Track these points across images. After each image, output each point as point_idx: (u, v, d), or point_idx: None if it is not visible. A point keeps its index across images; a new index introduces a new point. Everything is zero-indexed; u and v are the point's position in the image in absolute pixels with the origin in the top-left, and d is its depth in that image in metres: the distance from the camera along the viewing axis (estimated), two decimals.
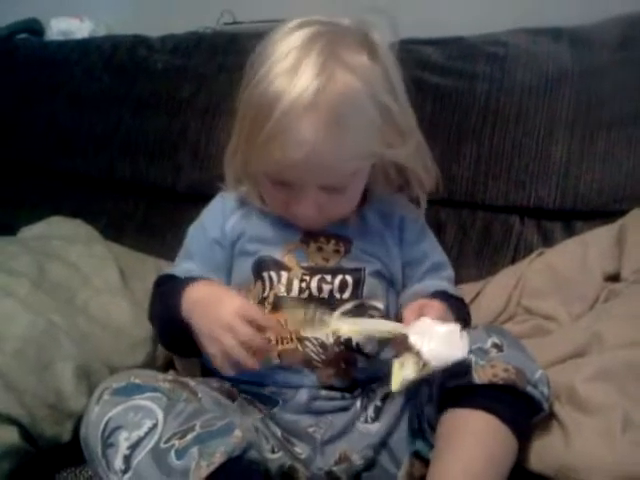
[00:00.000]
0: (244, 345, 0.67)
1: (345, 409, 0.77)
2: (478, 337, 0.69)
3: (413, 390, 0.73)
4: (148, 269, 1.08)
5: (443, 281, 0.86)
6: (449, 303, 0.76)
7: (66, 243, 1.05)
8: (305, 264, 0.80)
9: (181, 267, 0.85)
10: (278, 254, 0.80)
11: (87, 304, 0.92)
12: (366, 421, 0.75)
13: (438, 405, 0.69)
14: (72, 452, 0.76)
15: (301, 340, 0.77)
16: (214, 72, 1.25)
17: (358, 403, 0.77)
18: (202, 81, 1.26)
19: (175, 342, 0.81)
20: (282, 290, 0.79)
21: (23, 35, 1.56)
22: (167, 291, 0.79)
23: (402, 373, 0.65)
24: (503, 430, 0.64)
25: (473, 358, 0.66)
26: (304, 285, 0.79)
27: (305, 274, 0.79)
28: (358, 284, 0.80)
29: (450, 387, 0.67)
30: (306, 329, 0.75)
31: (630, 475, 0.64)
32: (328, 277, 0.79)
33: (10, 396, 0.71)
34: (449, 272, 0.89)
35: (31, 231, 1.14)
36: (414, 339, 0.64)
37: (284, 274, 0.79)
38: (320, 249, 0.81)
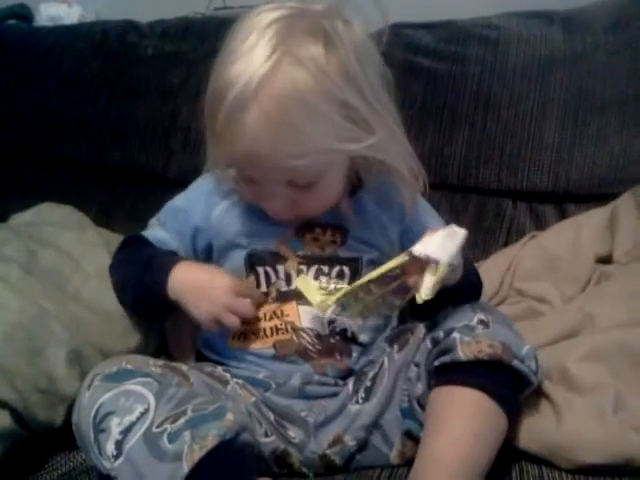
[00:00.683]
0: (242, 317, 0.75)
1: (337, 394, 0.77)
2: (464, 315, 0.69)
3: (402, 369, 0.74)
4: None
5: None
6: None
7: (57, 229, 1.04)
8: (301, 252, 0.78)
9: (154, 233, 0.85)
10: (272, 245, 0.78)
11: (78, 290, 0.91)
12: (357, 402, 0.75)
13: (427, 383, 0.69)
14: (65, 436, 0.75)
15: (296, 330, 0.77)
16: (204, 57, 1.22)
17: (350, 386, 0.76)
18: (192, 66, 1.25)
19: (149, 311, 0.85)
20: (283, 285, 0.78)
21: (12, 21, 1.54)
22: (144, 261, 0.80)
23: (424, 286, 0.65)
24: (491, 405, 0.64)
25: (458, 335, 0.66)
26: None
27: (302, 263, 0.78)
28: (355, 274, 0.78)
29: (437, 365, 0.67)
30: (320, 297, 0.73)
31: (621, 454, 0.64)
32: (325, 268, 0.78)
33: (2, 380, 0.71)
34: None
35: (22, 217, 1.13)
36: (417, 250, 0.65)
37: (281, 268, 0.78)
38: (316, 239, 0.79)
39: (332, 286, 0.75)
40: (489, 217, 1.10)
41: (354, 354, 0.79)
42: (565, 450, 0.66)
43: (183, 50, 1.28)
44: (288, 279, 0.78)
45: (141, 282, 0.80)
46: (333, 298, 0.70)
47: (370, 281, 0.68)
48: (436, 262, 0.65)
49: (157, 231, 0.85)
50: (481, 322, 0.68)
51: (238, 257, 0.79)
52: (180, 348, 0.92)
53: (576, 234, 0.95)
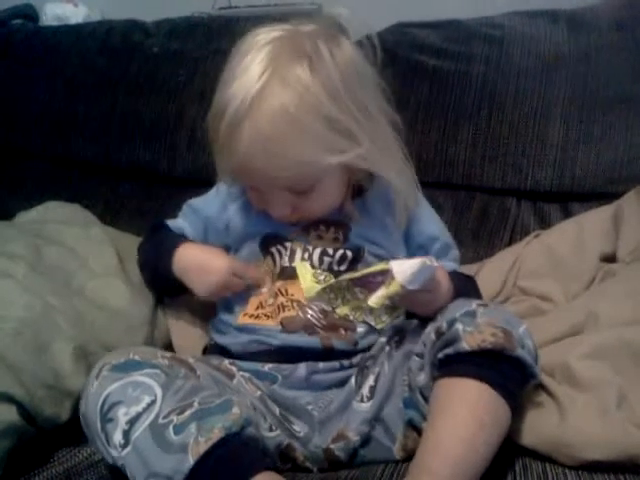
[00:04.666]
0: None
1: (342, 384, 0.77)
2: (462, 303, 0.70)
3: (402, 362, 0.75)
4: None
5: (451, 262, 0.88)
6: (457, 279, 0.79)
7: (63, 226, 1.05)
8: (304, 245, 0.83)
9: (175, 221, 0.94)
10: (284, 232, 0.83)
11: (84, 287, 0.92)
12: (362, 400, 0.75)
13: (431, 375, 0.69)
14: (71, 432, 0.76)
15: (301, 306, 0.79)
16: (209, 56, 1.24)
17: (353, 380, 0.77)
18: (197, 65, 1.25)
19: (161, 286, 0.93)
20: (286, 260, 0.82)
21: (18, 21, 1.55)
22: (159, 243, 0.90)
23: (375, 294, 0.71)
24: (494, 396, 0.64)
25: (461, 326, 0.66)
26: (306, 255, 0.82)
27: (308, 246, 0.82)
28: (357, 260, 0.82)
29: (441, 357, 0.67)
30: (309, 283, 0.80)
31: (624, 451, 0.65)
32: (330, 250, 0.82)
33: (8, 375, 0.71)
34: (456, 252, 0.90)
35: (28, 216, 1.14)
36: (392, 262, 0.69)
37: (288, 244, 0.82)
38: (320, 237, 0.83)
39: (322, 277, 0.80)
40: (493, 216, 1.10)
41: (359, 329, 0.80)
42: (568, 447, 0.66)
43: (188, 49, 1.28)
44: (292, 255, 0.82)
45: (153, 262, 0.90)
46: (318, 287, 0.78)
47: (353, 281, 0.75)
48: (392, 278, 0.69)
49: (178, 220, 0.94)
50: (480, 305, 0.69)
51: (253, 244, 0.84)
52: (185, 344, 0.92)
53: (580, 233, 0.95)
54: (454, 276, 0.79)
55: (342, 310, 0.79)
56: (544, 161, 1.07)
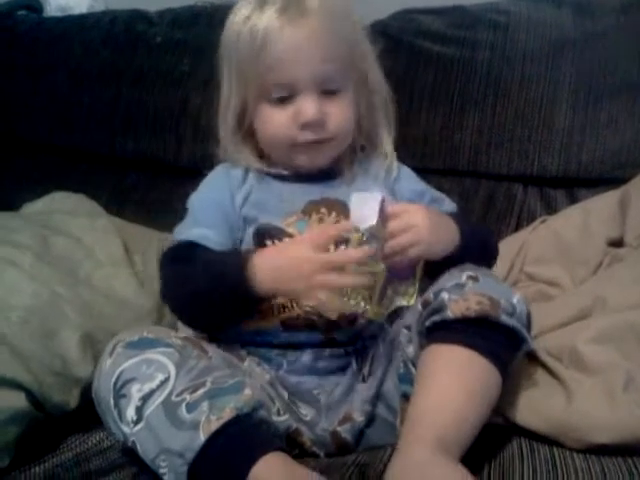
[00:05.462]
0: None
1: (345, 367, 0.77)
2: (452, 275, 0.69)
3: (395, 337, 0.75)
4: (150, 243, 1.08)
5: (448, 208, 0.86)
6: (462, 220, 0.78)
7: (69, 217, 1.05)
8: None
9: (192, 233, 0.79)
10: (279, 222, 0.80)
11: (90, 276, 0.92)
12: (363, 380, 0.76)
13: (419, 345, 0.69)
14: (80, 419, 0.77)
15: (302, 306, 0.77)
16: (213, 45, 1.23)
17: (354, 362, 0.77)
18: (201, 54, 1.25)
19: (229, 318, 0.77)
20: None
21: (22, 12, 1.55)
22: (209, 269, 0.74)
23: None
24: (481, 362, 0.63)
25: (447, 295, 0.66)
26: None
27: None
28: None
29: (427, 325, 0.67)
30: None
31: (631, 434, 0.64)
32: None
33: (16, 362, 0.72)
34: (452, 204, 0.88)
35: (34, 206, 1.15)
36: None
37: (287, 240, 0.79)
38: (321, 220, 0.81)
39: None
40: (500, 202, 1.10)
41: (360, 321, 0.79)
42: (575, 430, 0.66)
43: (192, 38, 1.28)
44: None
45: (214, 292, 0.73)
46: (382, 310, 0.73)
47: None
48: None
49: (195, 231, 0.79)
50: (470, 277, 0.68)
51: (248, 234, 0.81)
52: (192, 333, 0.93)
53: (587, 218, 0.95)
54: (457, 217, 0.78)
55: (373, 310, 0.71)
56: (550, 147, 1.06)
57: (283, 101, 0.79)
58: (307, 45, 0.77)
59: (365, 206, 0.70)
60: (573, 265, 0.91)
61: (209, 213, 0.82)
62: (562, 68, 1.07)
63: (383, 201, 0.70)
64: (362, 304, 0.71)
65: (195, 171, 1.18)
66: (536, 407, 0.69)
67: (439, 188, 1.00)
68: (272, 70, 0.77)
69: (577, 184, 1.07)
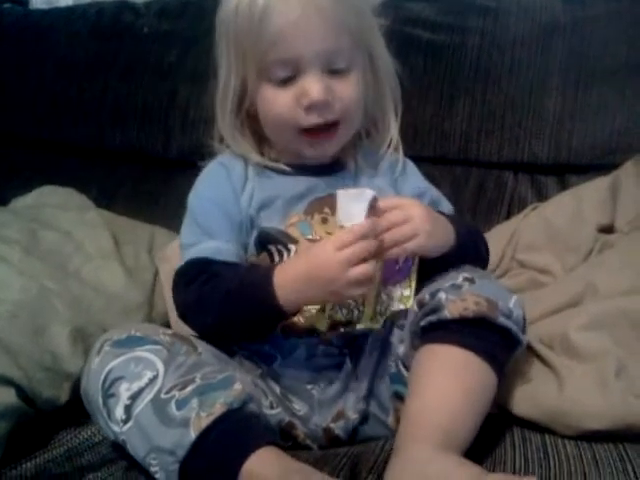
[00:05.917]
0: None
1: (340, 365, 0.76)
2: (449, 276, 0.68)
3: (388, 336, 0.74)
4: (140, 236, 1.08)
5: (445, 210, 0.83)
6: (457, 222, 0.75)
7: (58, 210, 1.04)
8: (310, 237, 0.76)
9: (205, 248, 0.75)
10: (281, 225, 0.76)
11: (80, 270, 0.92)
12: (357, 379, 0.74)
13: (411, 344, 0.69)
14: (71, 414, 0.76)
15: (302, 312, 0.73)
16: (201, 36, 1.22)
17: (348, 361, 0.75)
18: (189, 45, 1.24)
19: (257, 335, 0.75)
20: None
21: (7, 4, 1.53)
22: (240, 292, 0.70)
23: None
24: (478, 363, 0.63)
25: (444, 295, 0.66)
26: None
27: (310, 236, 0.76)
28: None
29: (423, 325, 0.66)
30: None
31: (622, 421, 0.64)
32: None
33: (5, 357, 0.71)
34: (449, 207, 0.86)
35: (23, 201, 1.14)
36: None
37: (292, 247, 0.76)
38: (325, 220, 0.77)
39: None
40: (490, 190, 1.10)
41: (358, 326, 0.78)
42: (567, 417, 0.66)
43: (180, 29, 1.27)
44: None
45: (245, 319, 0.71)
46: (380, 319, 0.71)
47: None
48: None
49: (206, 246, 0.75)
50: (466, 279, 0.67)
51: (251, 238, 0.77)
52: (184, 327, 0.92)
53: (578, 204, 0.95)
54: (453, 218, 0.76)
55: (368, 316, 0.70)
56: (541, 133, 1.06)
57: (286, 82, 0.73)
58: (312, 17, 0.70)
59: (353, 203, 0.67)
60: (564, 252, 0.91)
61: (215, 219, 0.77)
62: (552, 54, 1.06)
63: (374, 200, 0.68)
64: (355, 312, 0.69)
65: (184, 163, 1.19)
66: (528, 394, 0.69)
67: (429, 176, 1.00)
68: (273, 45, 0.71)
69: (568, 171, 1.06)
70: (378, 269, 0.69)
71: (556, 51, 1.06)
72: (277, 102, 0.74)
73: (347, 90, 0.74)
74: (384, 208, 0.70)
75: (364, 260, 0.66)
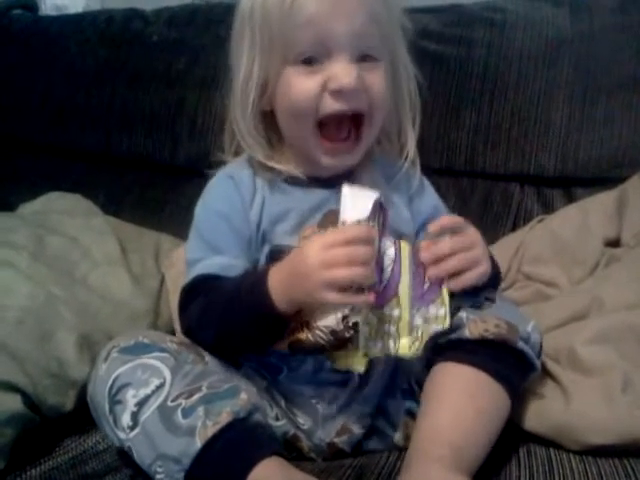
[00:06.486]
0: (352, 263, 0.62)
1: (347, 380, 0.74)
2: (470, 296, 0.68)
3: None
4: (147, 243, 1.08)
5: None
6: None
7: (65, 217, 1.05)
8: None
9: (211, 263, 0.73)
10: (294, 241, 0.73)
11: (86, 276, 0.92)
12: (364, 395, 0.73)
13: (425, 362, 0.68)
14: (76, 421, 0.76)
15: (311, 329, 0.69)
16: (210, 44, 1.24)
17: (356, 378, 0.74)
18: (198, 53, 1.25)
19: (262, 342, 0.71)
20: None
21: (17, 11, 1.54)
22: (232, 298, 0.69)
23: None
24: (493, 385, 0.63)
25: (465, 314, 0.66)
26: None
27: None
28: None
29: (442, 342, 0.66)
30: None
31: (629, 435, 0.65)
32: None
33: (12, 364, 0.72)
34: None
35: (30, 207, 1.14)
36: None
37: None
38: None
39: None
40: (496, 202, 1.09)
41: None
42: (573, 431, 0.66)
43: (188, 37, 1.27)
44: None
45: (248, 330, 0.69)
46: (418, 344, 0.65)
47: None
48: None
49: (215, 258, 0.73)
50: (488, 299, 0.68)
51: (264, 254, 0.74)
52: None
53: (584, 217, 0.95)
54: None
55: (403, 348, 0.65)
56: (547, 146, 1.06)
57: (313, 67, 0.68)
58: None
59: (357, 199, 0.65)
60: (570, 265, 0.91)
61: (222, 234, 0.74)
62: (559, 67, 1.06)
63: (380, 204, 0.66)
64: (391, 343, 0.65)
65: (192, 170, 1.19)
66: (534, 409, 0.69)
67: (435, 188, 1.00)
68: (307, 25, 0.67)
69: (574, 183, 1.06)
70: (376, 281, 0.64)
71: (563, 64, 1.06)
72: (299, 86, 0.69)
73: (377, 80, 0.70)
74: (448, 224, 0.67)
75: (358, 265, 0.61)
